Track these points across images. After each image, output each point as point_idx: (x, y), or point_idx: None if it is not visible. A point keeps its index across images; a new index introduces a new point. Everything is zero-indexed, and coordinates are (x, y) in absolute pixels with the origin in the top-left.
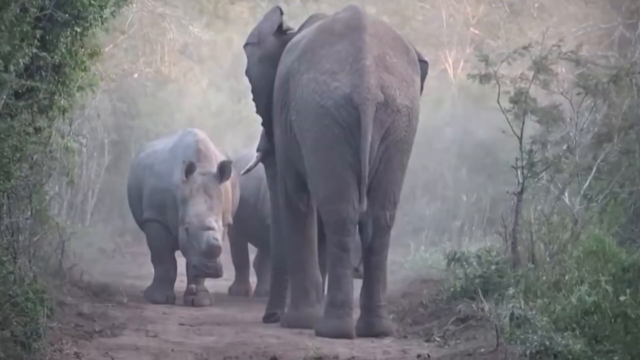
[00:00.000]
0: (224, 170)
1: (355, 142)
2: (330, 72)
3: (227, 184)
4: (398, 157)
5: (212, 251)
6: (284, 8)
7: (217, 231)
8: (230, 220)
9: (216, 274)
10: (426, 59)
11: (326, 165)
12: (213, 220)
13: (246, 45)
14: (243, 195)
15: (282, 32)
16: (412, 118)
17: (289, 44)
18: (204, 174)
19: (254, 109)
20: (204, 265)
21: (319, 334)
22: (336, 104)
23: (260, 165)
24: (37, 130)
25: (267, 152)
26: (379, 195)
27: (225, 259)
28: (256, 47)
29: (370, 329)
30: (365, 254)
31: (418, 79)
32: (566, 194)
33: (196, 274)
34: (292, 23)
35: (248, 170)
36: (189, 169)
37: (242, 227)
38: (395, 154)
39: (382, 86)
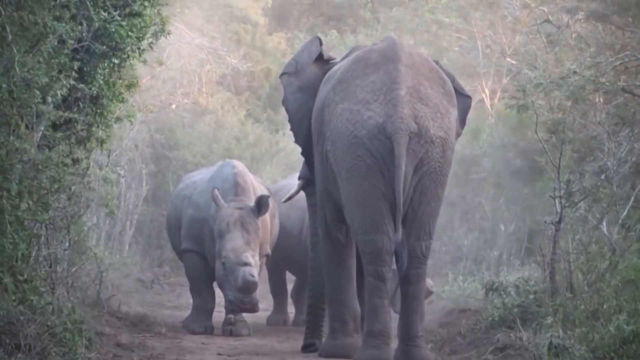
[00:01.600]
0: (261, 205)
1: (388, 172)
2: (364, 102)
3: (266, 216)
4: (432, 188)
5: (249, 287)
6: (322, 39)
7: (254, 267)
8: (268, 251)
9: (252, 309)
10: (469, 93)
11: (360, 196)
12: (250, 255)
13: (282, 75)
14: (286, 225)
15: (323, 62)
16: (446, 149)
17: (328, 74)
18: (242, 208)
19: (292, 139)
20: (240, 300)
21: None
22: (369, 134)
23: (304, 195)
24: (75, 161)
25: (307, 181)
26: (414, 226)
27: (263, 289)
28: (293, 76)
29: (408, 359)
30: (402, 284)
31: (454, 111)
32: (604, 224)
33: (232, 309)
34: (330, 54)
35: (289, 199)
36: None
37: (284, 257)
38: (430, 184)
39: (415, 116)
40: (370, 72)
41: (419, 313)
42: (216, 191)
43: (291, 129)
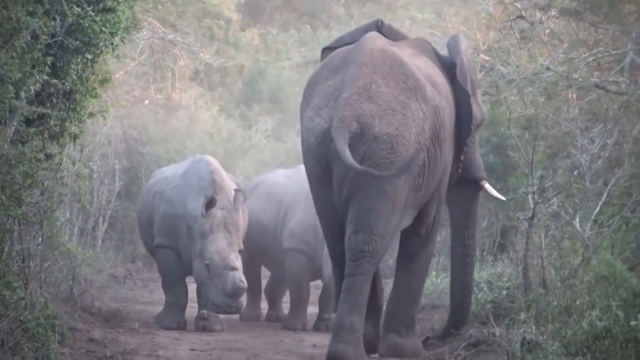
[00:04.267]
0: (237, 200)
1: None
2: (317, 108)
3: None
4: (375, 184)
5: (237, 293)
6: (294, 35)
7: (240, 270)
8: (242, 246)
9: (237, 311)
10: (467, 89)
11: (317, 205)
12: (235, 258)
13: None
14: (262, 220)
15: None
16: (398, 145)
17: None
18: (223, 208)
19: (265, 134)
20: (227, 305)
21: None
22: (316, 141)
23: (281, 190)
24: (48, 156)
25: None
26: (352, 219)
27: None
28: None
29: (332, 350)
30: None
31: (417, 105)
32: (577, 220)
33: (217, 311)
34: (303, 49)
35: None
36: (210, 204)
37: (260, 252)
38: (371, 179)
39: (358, 116)
40: (330, 76)
41: (348, 304)
42: (204, 199)
43: None
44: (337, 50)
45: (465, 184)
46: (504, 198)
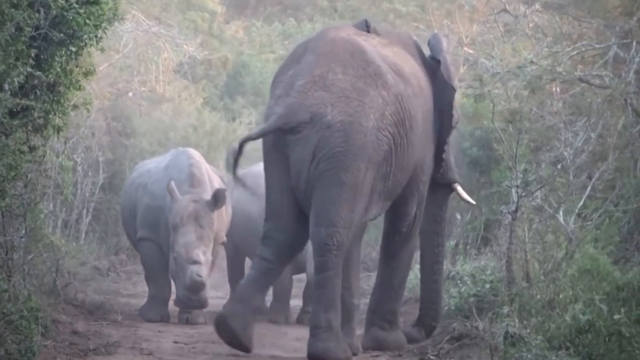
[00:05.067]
0: (218, 198)
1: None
2: (277, 98)
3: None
4: (332, 174)
5: (196, 287)
6: (279, 28)
7: (204, 265)
8: (224, 238)
9: (200, 306)
10: (454, 84)
11: (267, 189)
12: (201, 252)
13: None
14: (246, 211)
15: None
16: (353, 133)
17: None
18: (197, 201)
19: (249, 127)
20: (187, 298)
21: None
22: (274, 128)
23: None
24: (32, 148)
25: None
26: (314, 211)
27: (221, 276)
28: None
29: (311, 350)
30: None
31: (376, 92)
32: (560, 213)
33: (180, 306)
34: (287, 42)
35: None
36: (173, 192)
37: (245, 244)
38: (327, 169)
39: (309, 105)
40: (292, 66)
41: (322, 303)
42: (172, 183)
43: None
44: (302, 42)
45: (437, 188)
46: (473, 202)
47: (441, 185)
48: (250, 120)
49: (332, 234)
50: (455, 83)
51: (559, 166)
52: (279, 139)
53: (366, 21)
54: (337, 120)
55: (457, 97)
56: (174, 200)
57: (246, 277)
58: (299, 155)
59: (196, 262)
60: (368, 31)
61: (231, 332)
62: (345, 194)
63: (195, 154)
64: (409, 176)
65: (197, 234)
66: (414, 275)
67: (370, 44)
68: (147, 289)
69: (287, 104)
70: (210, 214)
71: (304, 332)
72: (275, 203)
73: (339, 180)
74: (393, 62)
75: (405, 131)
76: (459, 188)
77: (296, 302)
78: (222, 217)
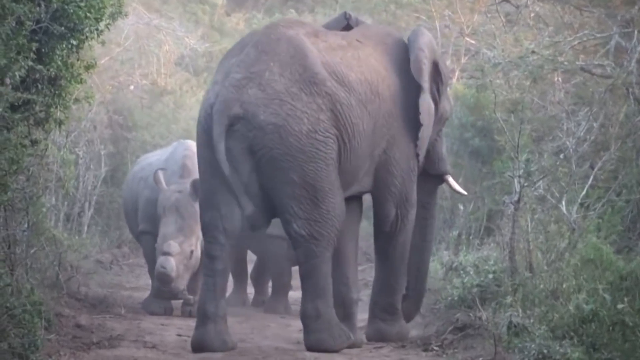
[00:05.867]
0: (196, 189)
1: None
2: (213, 84)
3: None
4: (282, 174)
5: (160, 278)
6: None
7: (175, 256)
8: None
9: (172, 297)
10: (421, 83)
11: (200, 171)
12: (176, 244)
13: None
14: None
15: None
16: (286, 135)
17: None
18: (180, 192)
19: None
20: (157, 289)
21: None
22: (205, 113)
23: None
24: (34, 142)
25: None
26: (277, 211)
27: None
28: None
29: (306, 343)
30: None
31: (309, 98)
32: (563, 203)
33: (154, 296)
34: None
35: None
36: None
37: (244, 237)
38: (276, 171)
39: (243, 101)
40: (234, 55)
41: (308, 292)
42: (159, 172)
43: None
44: (255, 30)
45: (428, 178)
46: (465, 193)
47: (432, 176)
48: None
49: (302, 225)
50: (424, 80)
51: (561, 156)
52: (211, 125)
53: (345, 14)
54: (270, 122)
55: (459, 87)
56: (159, 191)
57: (201, 291)
58: (232, 146)
59: (165, 254)
60: (348, 24)
61: (214, 351)
62: (301, 189)
63: (192, 146)
64: (367, 180)
65: (177, 224)
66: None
67: (317, 48)
68: (150, 282)
69: (223, 98)
70: (193, 204)
71: None
72: (209, 189)
73: (290, 180)
74: (336, 70)
75: (348, 137)
76: (450, 179)
77: (298, 294)
78: None
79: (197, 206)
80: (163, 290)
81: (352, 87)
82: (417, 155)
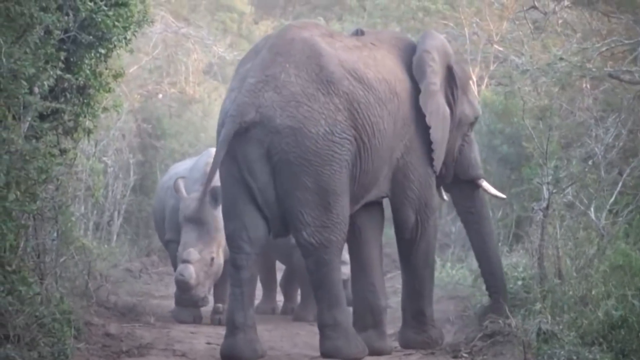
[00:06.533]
0: (214, 196)
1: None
2: (231, 90)
3: None
4: (295, 179)
5: (179, 286)
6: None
7: (194, 263)
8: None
9: (193, 305)
10: (423, 84)
11: (221, 182)
12: (196, 251)
13: None
14: None
15: None
16: (302, 139)
17: None
18: (200, 199)
19: None
20: (178, 296)
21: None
22: (222, 122)
23: None
24: (62, 151)
25: None
26: (288, 218)
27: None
28: None
29: (322, 349)
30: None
31: (326, 98)
32: (592, 209)
33: (177, 304)
34: None
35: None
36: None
37: (271, 246)
38: (290, 176)
39: (259, 106)
40: (250, 60)
41: (324, 301)
42: (178, 181)
43: None
44: (269, 34)
45: (462, 184)
46: (504, 196)
47: (465, 182)
48: None
49: (311, 233)
50: (426, 82)
51: (589, 162)
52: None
53: (358, 31)
54: (286, 125)
55: (487, 94)
56: (180, 199)
57: (229, 301)
58: (249, 152)
59: (184, 261)
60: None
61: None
62: (315, 196)
63: None
64: (385, 184)
65: (197, 232)
66: (446, 273)
67: (332, 47)
68: None
69: (237, 103)
70: (212, 212)
71: None
72: (231, 199)
73: (303, 185)
74: (354, 68)
75: (368, 137)
76: (485, 183)
77: None
78: None
79: (217, 213)
80: (183, 297)
81: (370, 85)
82: (432, 160)
